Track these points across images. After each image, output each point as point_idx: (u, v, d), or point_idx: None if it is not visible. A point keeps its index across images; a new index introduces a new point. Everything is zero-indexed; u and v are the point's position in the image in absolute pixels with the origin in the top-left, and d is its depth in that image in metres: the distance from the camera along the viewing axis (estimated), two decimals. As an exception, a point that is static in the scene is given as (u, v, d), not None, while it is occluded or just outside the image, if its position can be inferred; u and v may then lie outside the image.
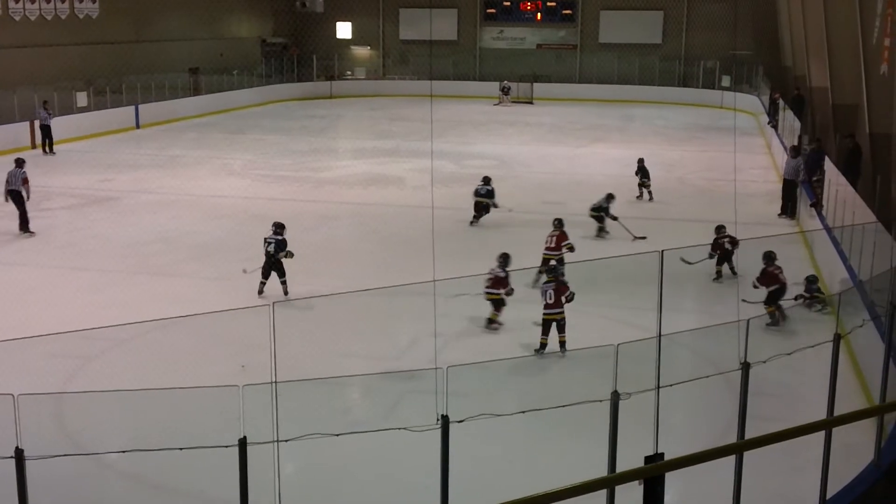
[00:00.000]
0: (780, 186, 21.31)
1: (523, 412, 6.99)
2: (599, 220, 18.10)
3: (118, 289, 14.78)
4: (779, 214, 20.33)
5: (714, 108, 42.28)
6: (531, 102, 44.72)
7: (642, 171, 21.99)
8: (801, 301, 13.82)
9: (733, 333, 7.31)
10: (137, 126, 34.29)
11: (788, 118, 27.25)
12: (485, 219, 19.36)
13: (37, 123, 28.42)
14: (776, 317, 13.00)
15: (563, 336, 11.99)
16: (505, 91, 44.73)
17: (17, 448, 6.10)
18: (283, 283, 14.16)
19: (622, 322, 12.90)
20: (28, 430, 6.23)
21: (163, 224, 19.28)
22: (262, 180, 24.61)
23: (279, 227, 14.48)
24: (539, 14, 49.67)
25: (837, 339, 7.99)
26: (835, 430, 7.67)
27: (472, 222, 19.43)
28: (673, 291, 14.37)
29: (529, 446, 9.42)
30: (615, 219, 17.93)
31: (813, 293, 13.76)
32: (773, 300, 13.18)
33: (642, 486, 5.53)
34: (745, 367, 7.27)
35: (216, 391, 7.57)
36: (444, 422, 6.23)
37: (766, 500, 8.46)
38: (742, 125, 37.05)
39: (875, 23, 18.40)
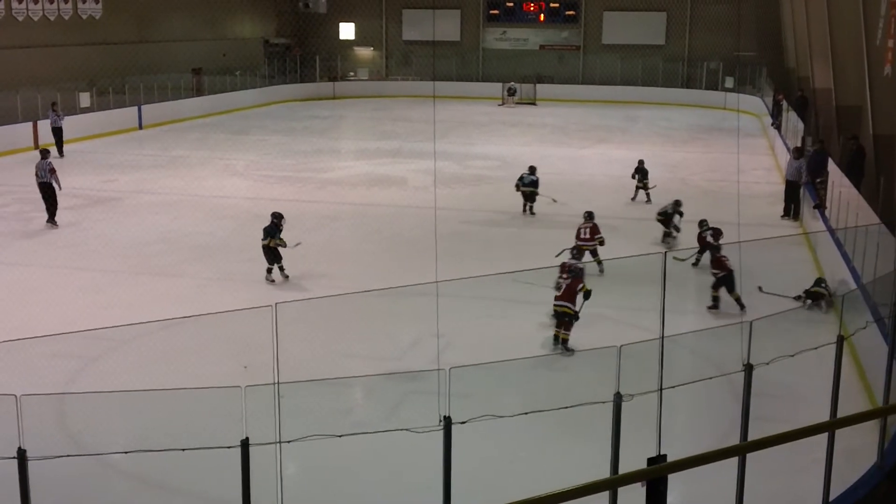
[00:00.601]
0: (783, 188, 21.28)
1: (526, 413, 6.99)
2: (665, 224, 17.87)
3: (120, 289, 14.78)
4: (782, 216, 20.31)
5: (717, 109, 42.24)
6: (534, 103, 44.72)
7: (641, 172, 21.95)
8: (802, 303, 13.84)
9: (736, 335, 7.29)
10: (140, 127, 34.32)
11: (792, 119, 27.23)
12: (488, 219, 19.36)
13: (41, 125, 28.41)
14: (718, 301, 13.77)
15: (567, 333, 11.95)
16: (510, 92, 44.73)
17: (19, 448, 6.10)
18: (280, 268, 15.07)
19: (625, 323, 12.89)
20: (30, 430, 6.23)
21: (165, 224, 19.29)
22: (265, 181, 24.62)
23: (273, 216, 15.27)
24: (542, 15, 49.67)
25: (841, 340, 7.98)
26: (838, 431, 7.65)
27: (525, 212, 20.12)
28: (676, 293, 14.42)
29: (532, 448, 9.41)
30: (678, 230, 17.67)
31: (820, 292, 13.83)
32: (718, 286, 13.84)
33: (645, 487, 5.53)
34: (748, 368, 7.26)
35: (219, 392, 7.56)
36: (447, 423, 6.22)
37: (768, 502, 8.45)
38: (745, 126, 37.01)
39: (879, 24, 18.38)
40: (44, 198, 19.00)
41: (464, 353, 10.93)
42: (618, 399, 6.56)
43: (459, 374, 6.38)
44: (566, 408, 6.90)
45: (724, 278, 13.78)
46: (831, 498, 7.72)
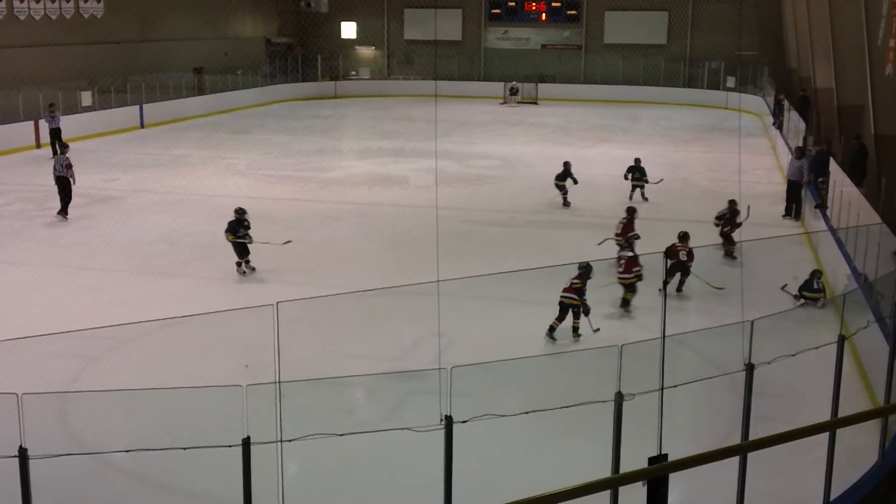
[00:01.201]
0: (784, 188, 21.27)
1: (527, 413, 6.99)
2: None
3: (122, 288, 14.79)
4: (783, 215, 20.30)
5: (719, 108, 42.23)
6: (536, 103, 44.71)
7: (640, 171, 21.91)
8: (798, 301, 13.86)
9: (737, 334, 7.29)
10: (142, 126, 34.32)
11: (793, 119, 27.22)
12: (489, 218, 19.39)
13: (42, 125, 28.41)
14: (666, 282, 14.24)
15: (577, 322, 12.53)
16: (512, 92, 44.72)
17: (20, 447, 6.11)
18: (245, 262, 15.44)
19: (626, 322, 12.89)
20: (32, 429, 6.23)
21: (167, 224, 19.28)
22: (267, 180, 24.62)
23: (236, 212, 15.70)
24: (544, 14, 49.68)
25: (842, 340, 7.97)
26: (839, 431, 7.65)
27: (564, 205, 20.87)
28: (677, 292, 14.42)
29: (533, 447, 9.41)
30: (739, 224, 17.02)
31: (815, 286, 13.84)
32: (671, 273, 14.48)
33: (646, 486, 5.53)
34: (750, 368, 7.26)
35: (220, 391, 7.57)
36: (448, 422, 6.23)
37: (769, 501, 8.45)
38: (747, 126, 36.99)
39: (880, 24, 18.39)
40: (59, 191, 19.49)
41: (465, 353, 10.92)
42: (619, 398, 6.56)
43: (461, 374, 6.39)
44: (567, 407, 6.90)
45: (677, 266, 14.46)
46: (832, 497, 7.72)
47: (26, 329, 10.76)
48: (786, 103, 30.63)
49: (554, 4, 49.27)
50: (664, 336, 7.28)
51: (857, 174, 17.69)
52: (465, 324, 12.48)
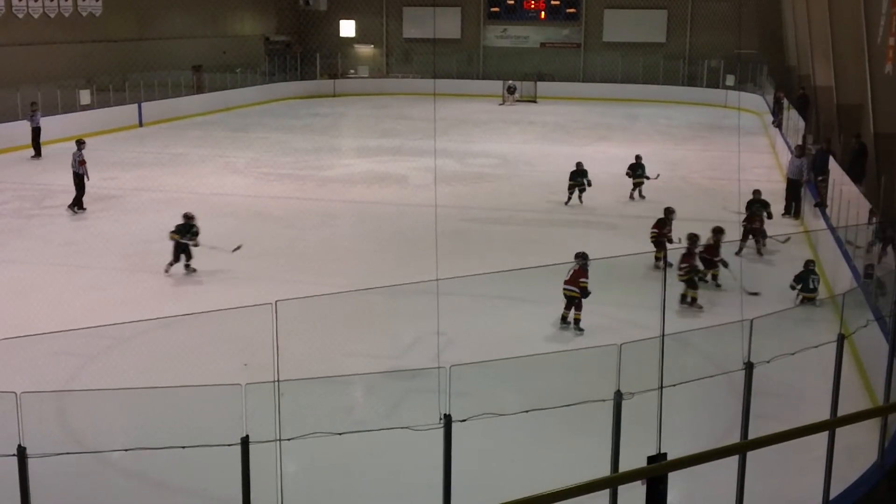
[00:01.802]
0: (784, 186, 21.27)
1: (526, 412, 6.98)
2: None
3: (121, 287, 14.78)
4: (783, 214, 20.29)
5: (718, 107, 42.24)
6: (535, 101, 44.69)
7: (641, 168, 21.90)
8: (797, 299, 13.86)
9: (737, 333, 7.28)
10: (140, 124, 34.29)
11: (793, 118, 27.20)
12: (488, 216, 19.38)
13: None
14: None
15: (578, 314, 12.82)
16: (511, 90, 44.70)
17: (19, 446, 6.10)
18: (186, 265, 15.46)
19: (625, 321, 12.88)
20: (30, 427, 6.22)
21: (166, 222, 19.12)
22: (265, 178, 24.61)
23: (185, 217, 15.75)
24: (543, 13, 49.66)
25: (841, 339, 7.97)
26: (838, 430, 7.65)
27: (568, 202, 21.08)
28: (676, 291, 14.41)
29: (532, 446, 9.41)
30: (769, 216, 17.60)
31: (811, 286, 13.85)
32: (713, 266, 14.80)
33: (645, 485, 5.53)
34: (749, 366, 7.25)
35: (219, 389, 7.55)
36: (447, 421, 6.22)
37: (768, 501, 8.45)
38: (746, 124, 36.98)
39: (880, 22, 18.38)
40: (75, 186, 20.02)
41: (464, 352, 10.94)
42: (618, 397, 6.55)
43: (460, 373, 6.38)
44: (566, 406, 6.89)
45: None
46: (832, 496, 7.72)
47: (25, 328, 10.76)
48: (785, 102, 30.62)
49: (553, 3, 49.26)
50: (663, 335, 7.27)
51: (856, 173, 17.69)
52: (465, 322, 12.47)
